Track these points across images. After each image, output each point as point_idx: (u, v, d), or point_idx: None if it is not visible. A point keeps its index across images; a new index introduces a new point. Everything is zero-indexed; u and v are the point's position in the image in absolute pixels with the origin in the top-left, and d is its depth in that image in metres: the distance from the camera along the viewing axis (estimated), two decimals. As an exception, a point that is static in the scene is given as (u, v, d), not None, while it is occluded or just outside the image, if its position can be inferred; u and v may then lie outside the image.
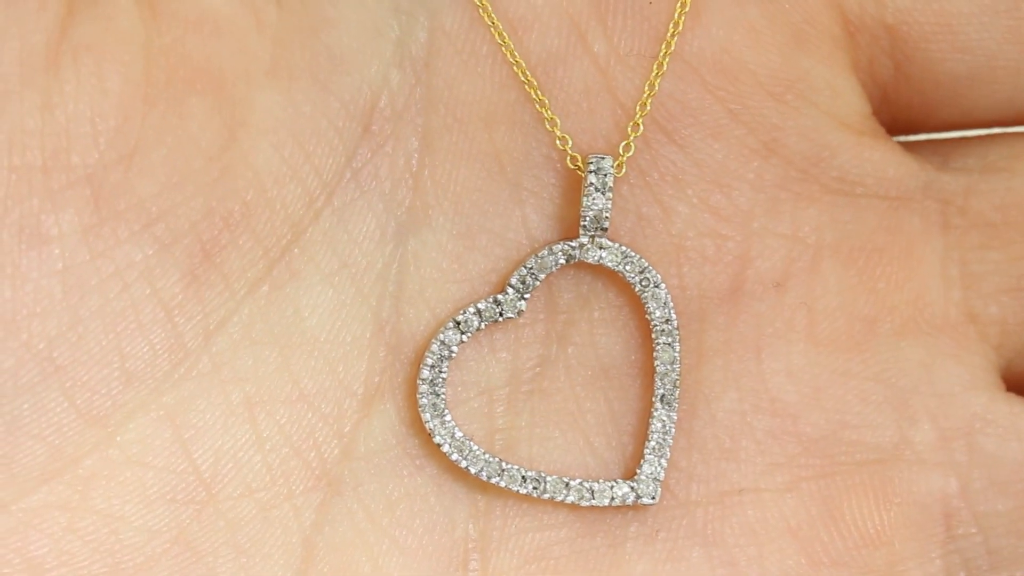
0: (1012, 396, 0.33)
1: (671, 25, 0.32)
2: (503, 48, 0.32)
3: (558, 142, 0.32)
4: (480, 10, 0.32)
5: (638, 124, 0.32)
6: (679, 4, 0.32)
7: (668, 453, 0.32)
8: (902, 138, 0.34)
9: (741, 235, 0.32)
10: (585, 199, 0.32)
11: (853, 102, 0.33)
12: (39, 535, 0.30)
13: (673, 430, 0.32)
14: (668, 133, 0.32)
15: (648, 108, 0.32)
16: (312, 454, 0.31)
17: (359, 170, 0.32)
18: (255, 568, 0.31)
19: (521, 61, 0.32)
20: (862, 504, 0.32)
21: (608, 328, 0.33)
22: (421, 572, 0.32)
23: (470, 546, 0.32)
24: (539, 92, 0.32)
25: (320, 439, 0.32)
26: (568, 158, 0.32)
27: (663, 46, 0.32)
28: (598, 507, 0.32)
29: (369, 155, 0.32)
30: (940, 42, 0.32)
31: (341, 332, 0.32)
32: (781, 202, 0.33)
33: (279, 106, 0.31)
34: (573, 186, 0.32)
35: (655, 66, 0.32)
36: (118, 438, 0.30)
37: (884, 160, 0.33)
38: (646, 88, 0.32)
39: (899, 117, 0.34)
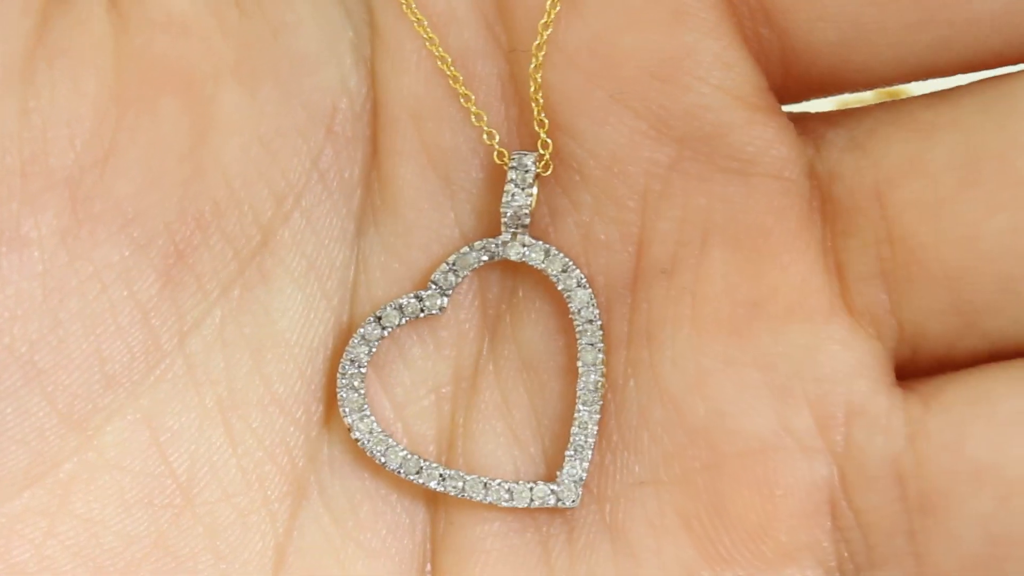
0: (895, 388, 0.32)
1: (544, 14, 0.32)
2: (428, 44, 0.32)
3: (485, 137, 0.33)
4: (404, 6, 0.32)
5: (543, 121, 0.32)
6: None
7: (589, 455, 0.33)
8: (796, 107, 0.33)
9: (640, 220, 0.32)
10: (505, 196, 0.32)
11: (745, 75, 0.32)
12: (21, 540, 0.29)
13: (595, 431, 0.33)
14: (560, 125, 0.32)
15: (540, 102, 0.32)
16: (285, 459, 0.32)
17: (325, 172, 0.32)
18: (235, 574, 0.31)
19: (446, 55, 0.32)
20: (746, 496, 0.32)
21: (534, 324, 0.33)
22: (386, 574, 0.32)
23: (428, 546, 0.33)
24: (464, 87, 0.32)
25: (292, 444, 0.32)
26: (495, 153, 0.33)
27: (537, 37, 0.32)
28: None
29: (333, 156, 0.32)
30: (804, 11, 0.31)
31: (308, 335, 0.32)
32: (674, 184, 0.32)
33: (244, 108, 0.31)
34: (502, 180, 0.33)
35: (533, 59, 0.32)
36: (96, 442, 0.30)
37: (776, 138, 0.32)
38: (531, 82, 0.32)
39: (807, 85, 0.33)
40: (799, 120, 0.33)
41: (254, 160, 0.31)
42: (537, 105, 0.32)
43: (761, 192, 0.32)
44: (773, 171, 0.32)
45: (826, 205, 0.32)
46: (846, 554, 0.32)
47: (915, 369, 0.32)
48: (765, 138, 0.32)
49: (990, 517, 0.30)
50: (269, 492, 0.32)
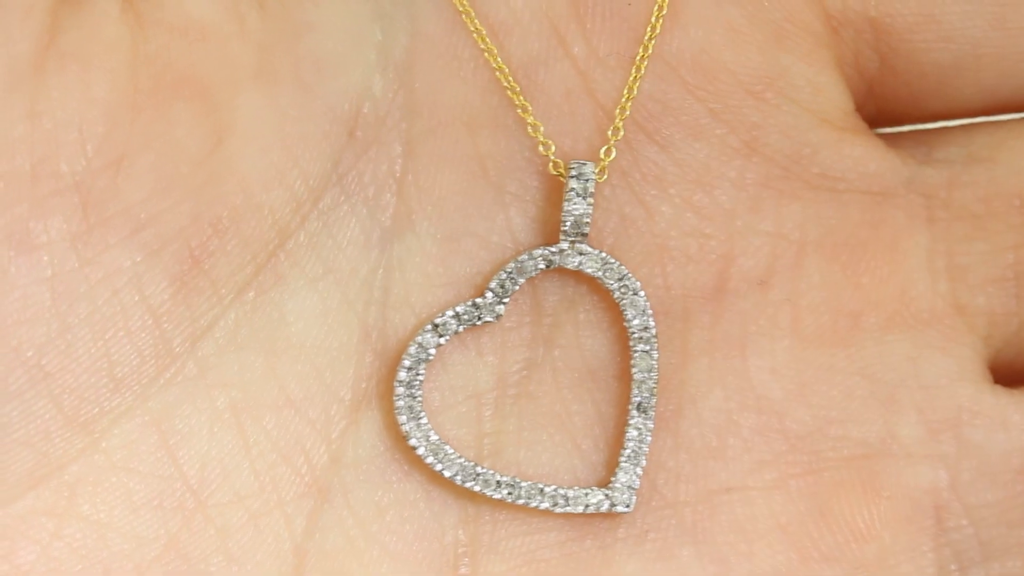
0: (998, 388, 0.33)
1: (648, 27, 0.32)
2: (485, 53, 0.32)
3: (541, 147, 0.32)
4: (463, 15, 0.32)
5: (619, 128, 0.32)
6: (657, 5, 0.32)
7: (643, 461, 0.33)
8: (888, 129, 0.34)
9: (724, 234, 0.33)
10: (566, 204, 0.32)
11: (835, 98, 0.33)
12: (27, 542, 0.30)
13: (649, 438, 0.33)
14: (649, 134, 0.33)
15: (628, 111, 0.32)
16: (301, 461, 0.32)
17: (344, 175, 0.32)
18: None
19: (504, 66, 0.32)
20: (851, 499, 0.32)
21: (594, 330, 0.33)
22: None
23: (460, 551, 0.32)
24: (521, 97, 0.32)
25: (308, 445, 0.32)
26: (551, 164, 0.33)
27: (641, 48, 0.32)
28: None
29: (354, 160, 0.32)
30: (924, 32, 0.32)
31: (327, 338, 0.32)
32: (763, 200, 0.33)
33: (265, 111, 0.31)
34: (557, 189, 0.33)
35: (633, 68, 0.32)
36: (103, 444, 0.30)
37: (866, 155, 0.33)
38: (625, 91, 0.32)
39: (887, 109, 0.34)
40: (894, 138, 0.34)
41: (274, 164, 0.31)
42: (621, 114, 0.32)
43: (853, 207, 0.33)
44: (863, 187, 0.33)
45: (940, 213, 0.33)
46: (949, 554, 0.32)
47: (1017, 371, 0.34)
48: (854, 156, 0.33)
49: None
50: (283, 494, 0.31)
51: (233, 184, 0.31)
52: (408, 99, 0.32)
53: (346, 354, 0.32)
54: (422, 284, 0.33)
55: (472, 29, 0.32)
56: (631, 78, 0.32)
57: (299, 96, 0.31)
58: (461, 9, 0.32)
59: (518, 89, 0.32)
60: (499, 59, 0.32)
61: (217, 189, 0.31)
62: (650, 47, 0.32)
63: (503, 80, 0.32)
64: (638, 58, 0.32)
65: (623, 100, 0.32)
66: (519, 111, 0.32)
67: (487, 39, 0.32)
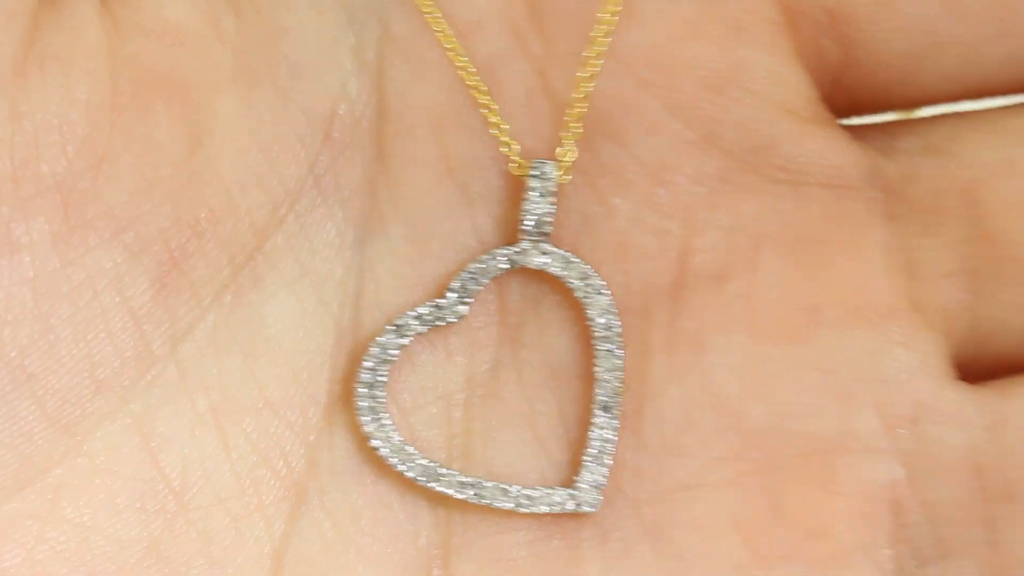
0: (960, 383, 0.33)
1: (600, 23, 0.32)
2: (450, 52, 0.32)
3: (503, 147, 0.33)
4: (428, 16, 0.32)
5: (571, 126, 0.32)
6: (612, 2, 0.32)
7: (609, 460, 0.33)
8: (856, 120, 0.34)
9: (683, 229, 0.33)
10: (527, 204, 0.33)
11: (798, 88, 0.33)
12: (12, 545, 0.30)
13: (615, 437, 0.33)
14: (606, 131, 0.33)
15: (581, 109, 0.32)
16: (280, 463, 0.32)
17: (320, 177, 0.32)
18: None
19: (469, 66, 0.32)
20: (806, 496, 0.32)
21: (558, 329, 0.33)
22: None
23: (433, 553, 0.32)
24: (487, 96, 0.32)
25: (287, 448, 0.32)
26: (513, 164, 0.33)
27: (594, 45, 0.32)
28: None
29: (329, 162, 0.32)
30: (881, 22, 0.32)
31: (304, 340, 0.32)
32: (722, 194, 0.33)
33: (242, 114, 0.31)
34: (521, 189, 0.33)
35: (587, 66, 0.32)
36: (86, 447, 0.30)
37: (828, 148, 0.33)
38: (579, 89, 0.32)
39: (856, 99, 0.34)
40: (856, 129, 0.34)
41: (252, 166, 0.31)
42: (575, 111, 0.32)
43: (814, 200, 0.33)
44: (824, 180, 0.33)
45: (897, 207, 0.33)
46: (907, 552, 0.32)
47: (979, 367, 0.33)
48: (815, 149, 0.33)
49: None
50: (264, 497, 0.31)
51: (212, 186, 0.31)
52: (380, 101, 0.32)
53: (322, 356, 0.32)
54: (393, 286, 0.33)
55: (437, 29, 0.32)
56: (586, 76, 0.32)
57: (275, 99, 0.31)
58: (426, 10, 0.32)
59: (484, 89, 0.32)
60: (464, 58, 0.32)
61: (196, 191, 0.31)
62: (601, 44, 0.32)
63: (468, 80, 0.32)
64: (591, 56, 0.32)
65: (577, 98, 0.32)
66: (483, 111, 0.33)
67: (452, 38, 0.32)
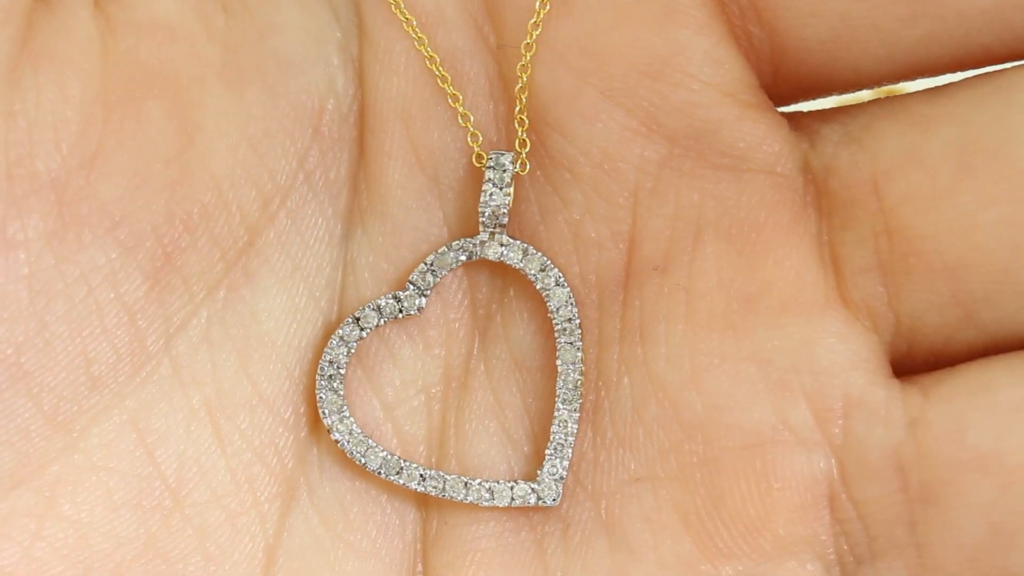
0: (892, 380, 0.32)
1: (534, 14, 0.32)
2: (417, 44, 0.32)
3: (469, 138, 0.33)
4: (393, 6, 0.32)
5: (523, 119, 0.32)
6: None
7: (569, 453, 0.33)
8: (800, 106, 0.33)
9: (630, 218, 0.32)
10: (483, 195, 0.33)
11: (735, 72, 0.32)
12: (8, 543, 0.30)
13: (575, 429, 0.33)
14: (549, 123, 0.32)
15: (523, 101, 0.32)
16: (274, 460, 0.32)
17: (311, 172, 0.32)
18: None
19: (435, 56, 0.32)
20: (744, 490, 0.32)
21: (525, 323, 0.33)
22: (377, 575, 0.32)
23: (419, 547, 0.33)
24: (452, 87, 0.33)
25: (281, 444, 0.32)
26: (474, 156, 0.33)
27: (526, 35, 0.32)
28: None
29: (319, 157, 0.32)
30: (794, 8, 0.31)
31: (296, 335, 0.32)
32: (664, 181, 0.32)
33: (232, 110, 0.31)
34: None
35: (522, 56, 0.32)
36: (82, 443, 0.30)
37: (768, 135, 0.32)
38: (518, 80, 0.32)
39: (797, 85, 0.33)
40: (794, 117, 0.33)
41: (242, 162, 0.31)
42: (520, 103, 0.32)
43: (753, 188, 0.32)
44: (765, 167, 0.32)
45: (822, 199, 0.32)
46: (846, 547, 0.32)
47: (911, 362, 0.32)
48: (756, 134, 0.32)
49: (991, 506, 0.30)
50: (259, 493, 0.32)
51: (203, 182, 0.31)
52: (361, 95, 0.33)
53: (313, 351, 0.32)
54: (371, 280, 0.33)
55: (403, 20, 0.32)
56: (519, 66, 0.32)
57: (265, 95, 0.32)
58: (391, 1, 0.32)
59: (449, 79, 0.33)
60: (429, 49, 0.32)
61: (188, 187, 0.31)
62: (534, 33, 0.32)
63: (435, 70, 0.32)
64: (523, 46, 0.32)
65: (517, 90, 0.32)
66: (450, 101, 0.33)
67: (418, 31, 0.32)
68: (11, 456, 0.30)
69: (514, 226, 0.33)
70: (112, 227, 0.30)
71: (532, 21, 0.32)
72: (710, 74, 0.32)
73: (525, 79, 0.32)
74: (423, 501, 0.33)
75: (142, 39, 0.31)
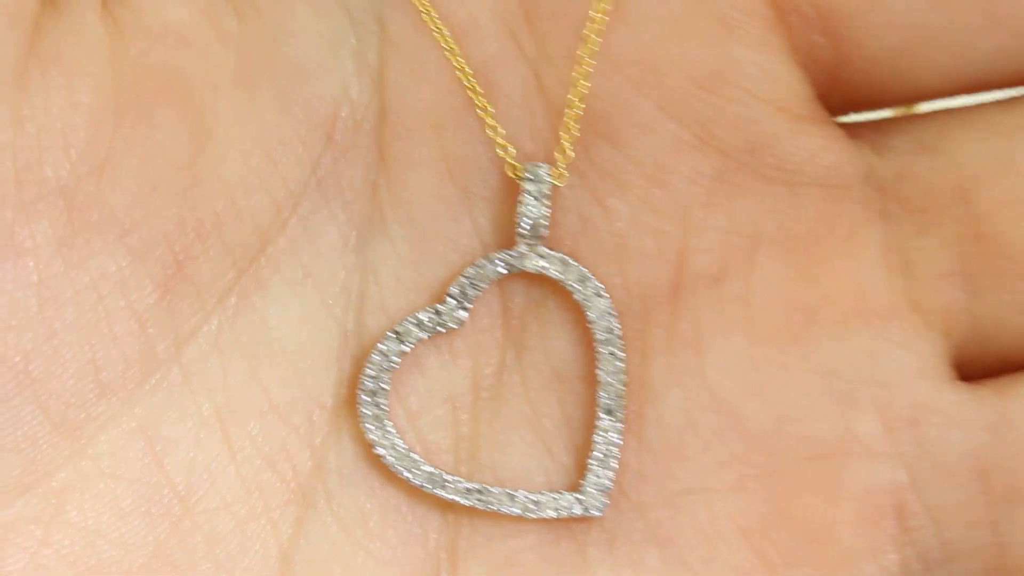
0: (959, 384, 0.32)
1: (593, 23, 0.32)
2: (447, 53, 0.32)
3: (499, 151, 0.33)
4: (425, 16, 0.32)
5: (569, 128, 0.32)
6: (602, 2, 0.32)
7: (615, 464, 0.33)
8: (853, 118, 0.34)
9: (680, 230, 0.32)
10: (521, 207, 0.33)
11: (791, 86, 0.32)
12: (15, 549, 0.30)
13: (619, 440, 0.33)
14: (601, 133, 0.32)
15: (574, 110, 0.32)
16: (286, 467, 0.32)
17: (323, 179, 0.32)
18: None
19: (465, 67, 0.32)
20: (810, 500, 0.32)
21: (559, 332, 0.33)
22: None
23: (442, 556, 0.32)
24: (483, 98, 0.32)
25: (293, 451, 0.32)
26: (507, 167, 0.33)
27: (584, 45, 0.32)
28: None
29: (332, 164, 0.32)
30: (869, 17, 0.32)
31: (308, 343, 0.32)
32: (718, 194, 0.32)
33: (245, 116, 0.31)
34: (519, 191, 0.33)
35: (579, 67, 0.32)
36: (90, 450, 0.30)
37: (823, 147, 0.32)
38: (572, 90, 0.32)
39: (852, 96, 0.33)
40: (852, 127, 0.33)
41: (255, 169, 0.31)
42: (570, 114, 0.32)
43: (809, 200, 0.32)
44: (820, 179, 0.32)
45: (892, 207, 0.32)
46: (913, 554, 0.32)
47: (978, 367, 0.33)
48: (810, 148, 0.32)
49: None
50: (270, 500, 0.31)
51: (215, 189, 0.31)
52: (381, 103, 0.32)
53: (327, 359, 0.32)
54: (395, 288, 0.33)
55: (435, 30, 0.32)
56: (577, 77, 0.32)
57: (278, 101, 0.31)
58: (423, 10, 0.32)
59: (480, 91, 0.32)
60: (461, 60, 0.32)
61: (200, 194, 0.31)
62: (591, 43, 0.32)
63: (465, 81, 0.32)
64: (584, 56, 0.32)
65: (571, 99, 0.32)
66: (480, 112, 0.32)
67: (450, 40, 0.32)
68: (18, 463, 0.30)
69: (553, 237, 0.33)
70: (122, 234, 0.30)
71: (590, 29, 0.32)
72: (764, 89, 0.32)
73: (582, 89, 0.32)
74: (452, 511, 0.33)
75: (153, 44, 0.31)
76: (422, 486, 0.32)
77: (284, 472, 0.32)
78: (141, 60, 0.30)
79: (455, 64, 0.32)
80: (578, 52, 0.32)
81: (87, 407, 0.30)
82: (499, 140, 0.33)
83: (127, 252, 0.30)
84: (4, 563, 0.29)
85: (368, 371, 0.32)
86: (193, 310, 0.31)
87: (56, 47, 0.30)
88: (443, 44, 0.32)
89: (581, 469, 0.33)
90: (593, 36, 0.32)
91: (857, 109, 0.34)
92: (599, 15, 0.32)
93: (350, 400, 0.33)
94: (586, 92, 0.32)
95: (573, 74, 0.32)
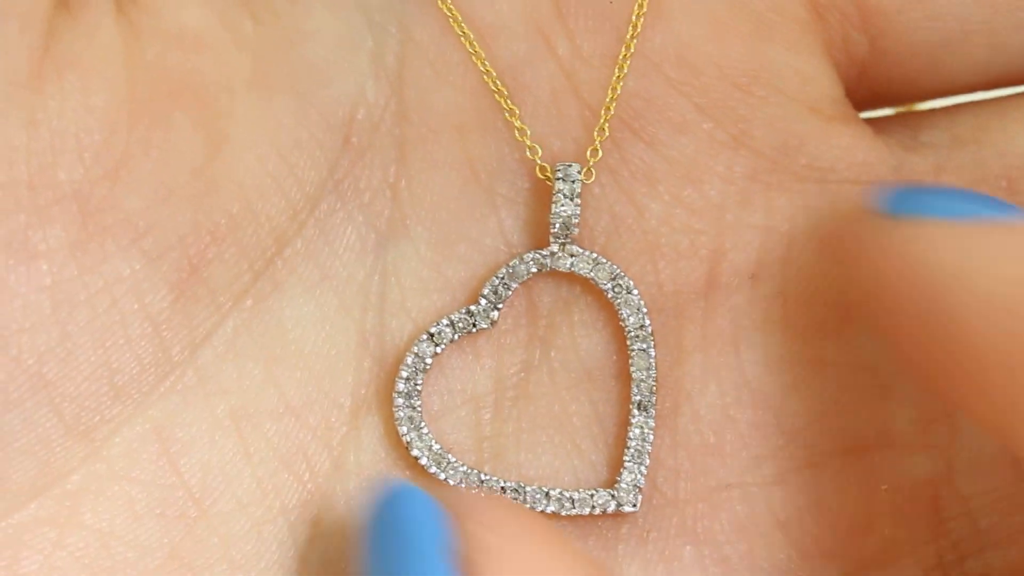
0: None
1: (631, 25, 0.32)
2: (473, 57, 0.32)
3: (528, 152, 0.33)
4: (450, 19, 0.32)
5: (604, 128, 0.32)
6: (638, 3, 0.32)
7: (647, 460, 0.33)
8: (878, 112, 0.34)
9: (714, 229, 0.33)
10: (554, 206, 0.33)
11: (823, 86, 0.33)
12: (29, 551, 0.30)
13: (652, 436, 0.33)
14: (635, 131, 0.32)
15: (612, 111, 0.32)
16: (303, 468, 0.32)
17: (340, 182, 0.32)
18: None
19: (491, 69, 0.32)
20: (848, 493, 0.32)
21: (589, 330, 0.33)
22: None
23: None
24: (509, 101, 0.32)
25: (310, 452, 0.32)
26: (537, 168, 0.33)
27: (624, 47, 0.32)
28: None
29: (349, 167, 0.32)
30: (911, 12, 0.32)
31: (325, 344, 0.32)
32: (752, 193, 0.33)
33: (261, 119, 0.31)
34: (547, 191, 0.33)
35: (617, 67, 0.32)
36: (104, 453, 0.30)
37: (854, 145, 0.33)
38: (609, 91, 0.32)
39: (880, 91, 0.34)
40: (879, 126, 0.33)
41: (271, 172, 0.31)
42: (606, 114, 0.32)
43: (843, 198, 0.32)
44: (852, 176, 0.33)
45: None
46: (949, 544, 0.32)
47: None
48: (842, 146, 0.32)
49: None
50: (286, 501, 0.31)
51: (231, 192, 0.31)
52: (400, 105, 0.32)
53: (344, 361, 0.32)
54: (417, 289, 0.33)
55: (459, 33, 0.32)
56: (615, 77, 0.32)
57: (294, 103, 0.31)
58: (448, 14, 0.32)
59: (506, 93, 0.32)
60: (487, 63, 0.32)
61: (215, 197, 0.31)
62: (632, 45, 0.32)
63: (491, 83, 0.32)
64: (621, 56, 0.32)
65: (607, 100, 0.32)
66: (507, 115, 0.32)
67: (475, 43, 0.32)
68: (32, 465, 0.30)
69: (585, 236, 0.33)
70: (137, 237, 0.30)
71: (628, 31, 0.32)
72: (798, 90, 0.32)
73: (620, 88, 0.32)
74: None
75: (168, 47, 0.31)
76: (459, 486, 0.32)
77: (301, 473, 0.32)
78: (156, 63, 0.30)
79: (480, 67, 0.32)
80: (617, 53, 0.32)
81: (101, 409, 0.30)
82: (528, 142, 0.33)
83: (141, 255, 0.30)
84: (19, 565, 0.30)
85: (402, 373, 0.32)
86: (208, 313, 0.31)
87: (71, 50, 0.30)
88: (468, 47, 0.32)
89: (611, 467, 0.33)
90: (629, 38, 0.32)
91: (882, 105, 0.34)
92: (635, 16, 0.32)
93: (369, 400, 0.32)
94: (621, 92, 0.32)
95: (613, 75, 0.32)
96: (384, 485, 0.28)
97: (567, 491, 0.33)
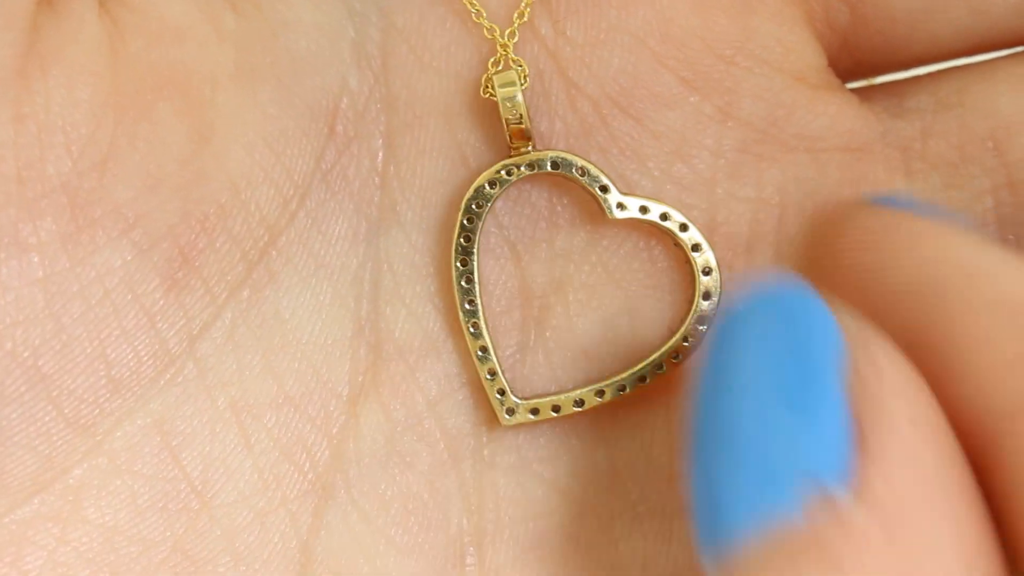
0: None
1: None
2: (473, 14, 0.32)
3: (486, 32, 0.32)
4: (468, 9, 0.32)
5: (523, 12, 0.32)
6: None
7: None
8: (862, 83, 0.34)
9: (706, 203, 0.33)
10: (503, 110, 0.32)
11: (807, 56, 0.33)
12: (33, 547, 0.29)
13: None
14: (623, 108, 0.32)
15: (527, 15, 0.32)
16: (303, 457, 0.31)
17: (328, 171, 0.32)
18: (255, 575, 0.31)
19: (495, 27, 0.32)
20: None
21: (584, 309, 0.33)
22: (419, 570, 0.32)
23: (466, 540, 0.32)
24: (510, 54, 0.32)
25: (310, 442, 0.32)
26: (487, 31, 0.32)
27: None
28: (586, 492, 0.33)
29: (336, 156, 0.32)
30: None
31: (321, 334, 0.32)
32: (742, 165, 0.33)
33: (246, 109, 0.31)
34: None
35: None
36: (106, 447, 0.30)
37: (840, 113, 0.33)
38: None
39: (862, 60, 0.34)
40: (863, 94, 0.34)
41: (259, 161, 0.31)
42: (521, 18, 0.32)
43: (832, 165, 0.33)
44: (840, 144, 0.33)
45: (917, 165, 0.33)
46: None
47: None
48: (828, 115, 0.33)
49: None
50: (287, 492, 0.31)
51: (219, 182, 0.31)
52: (385, 92, 0.32)
53: (341, 349, 0.32)
54: (410, 275, 0.33)
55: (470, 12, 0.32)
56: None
57: (279, 94, 0.31)
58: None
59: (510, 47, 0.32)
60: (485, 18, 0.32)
61: (204, 187, 0.31)
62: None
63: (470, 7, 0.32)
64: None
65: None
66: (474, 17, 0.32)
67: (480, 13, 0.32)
68: (33, 460, 0.30)
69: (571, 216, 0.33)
70: (126, 229, 0.30)
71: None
72: (783, 59, 0.32)
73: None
74: (469, 495, 0.33)
75: (151, 41, 0.31)
76: None
77: (302, 463, 0.31)
78: (140, 57, 0.31)
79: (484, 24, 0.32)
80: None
81: (100, 403, 0.30)
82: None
83: (132, 246, 0.30)
84: (23, 562, 0.29)
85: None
86: (204, 304, 0.31)
87: (55, 46, 0.30)
88: (469, 7, 0.32)
89: None
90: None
91: (865, 75, 0.34)
92: None
93: (366, 388, 0.32)
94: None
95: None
96: (778, 279, 0.27)
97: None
